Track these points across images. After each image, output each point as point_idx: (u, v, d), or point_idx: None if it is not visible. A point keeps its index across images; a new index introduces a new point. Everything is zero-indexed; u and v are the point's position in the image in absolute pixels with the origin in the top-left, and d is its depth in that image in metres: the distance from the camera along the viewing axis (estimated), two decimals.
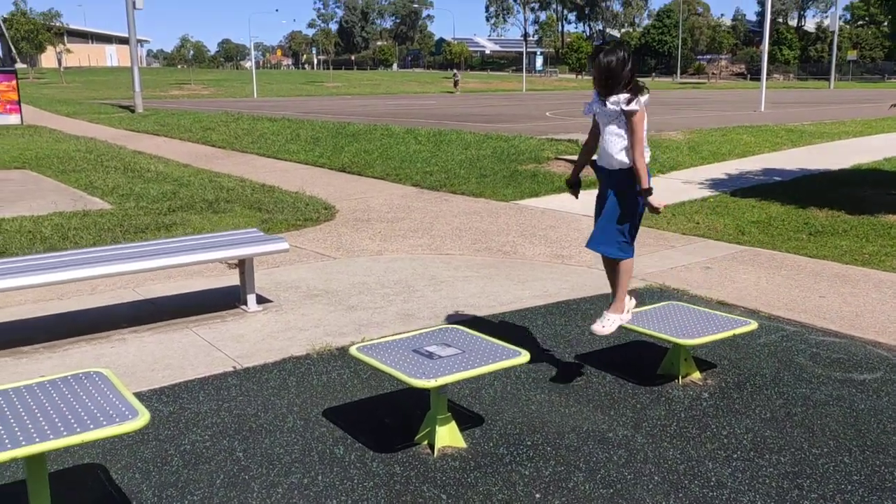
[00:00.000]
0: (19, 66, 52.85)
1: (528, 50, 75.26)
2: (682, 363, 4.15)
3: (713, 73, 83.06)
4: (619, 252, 4.03)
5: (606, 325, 4.05)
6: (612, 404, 3.92)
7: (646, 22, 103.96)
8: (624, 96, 3.73)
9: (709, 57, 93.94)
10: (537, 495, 3.06)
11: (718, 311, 4.71)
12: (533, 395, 4.04)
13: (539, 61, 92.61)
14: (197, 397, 4.00)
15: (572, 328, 5.09)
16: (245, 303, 5.48)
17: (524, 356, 3.44)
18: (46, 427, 2.43)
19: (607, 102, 3.80)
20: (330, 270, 6.63)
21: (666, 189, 10.61)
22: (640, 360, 4.51)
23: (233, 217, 8.90)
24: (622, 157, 3.84)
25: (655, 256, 7.08)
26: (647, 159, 3.87)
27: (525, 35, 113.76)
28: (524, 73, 58.34)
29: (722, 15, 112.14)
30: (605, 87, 3.77)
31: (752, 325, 4.22)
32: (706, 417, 3.76)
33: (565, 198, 10.22)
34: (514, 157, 13.19)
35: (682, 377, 4.17)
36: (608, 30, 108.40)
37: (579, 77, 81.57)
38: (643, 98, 3.77)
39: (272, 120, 21.25)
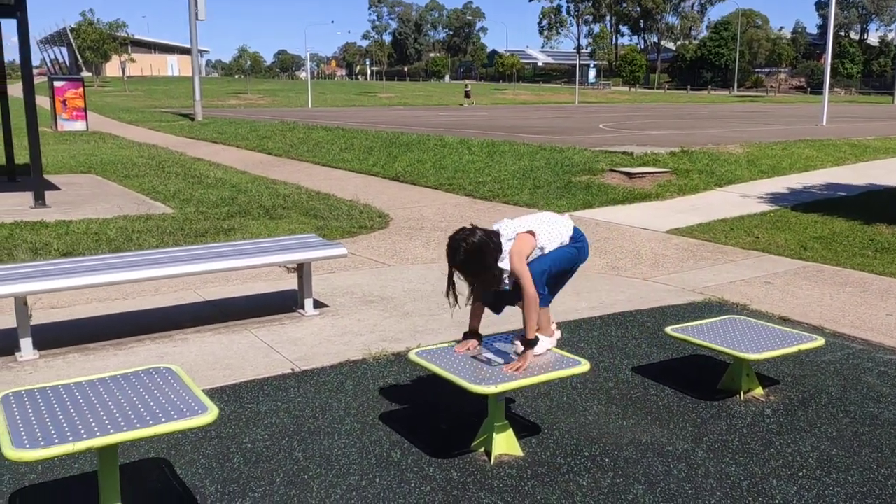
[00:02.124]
0: (85, 74, 54.75)
1: (581, 62, 74.87)
2: (744, 378, 4.06)
3: (772, 87, 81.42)
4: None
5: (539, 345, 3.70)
6: (670, 418, 3.86)
7: (702, 34, 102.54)
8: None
9: (767, 70, 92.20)
10: None
11: (781, 326, 4.60)
12: (590, 405, 4.00)
13: (592, 73, 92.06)
14: (257, 397, 4.07)
15: (629, 340, 5.03)
16: (302, 307, 5.56)
17: (584, 365, 3.42)
18: (120, 419, 2.51)
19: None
20: (385, 277, 6.68)
21: (724, 202, 10.44)
22: (699, 374, 4.44)
23: (289, 223, 9.05)
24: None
25: (714, 270, 6.96)
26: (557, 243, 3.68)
27: (578, 47, 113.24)
28: (577, 86, 58.04)
29: (781, 28, 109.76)
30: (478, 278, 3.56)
31: (819, 342, 4.11)
32: (769, 434, 3.67)
33: (620, 210, 10.13)
34: (567, 168, 13.12)
35: (744, 392, 4.08)
36: (663, 42, 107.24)
37: (633, 90, 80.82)
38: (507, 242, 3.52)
39: (327, 129, 21.56)
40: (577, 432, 3.68)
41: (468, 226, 3.52)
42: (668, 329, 4.20)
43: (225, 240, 7.84)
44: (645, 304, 5.86)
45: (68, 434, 2.38)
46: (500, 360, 3.44)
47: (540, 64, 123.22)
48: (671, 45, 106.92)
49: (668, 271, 6.95)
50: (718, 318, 4.49)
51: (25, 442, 2.32)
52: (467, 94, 50.20)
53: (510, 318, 5.46)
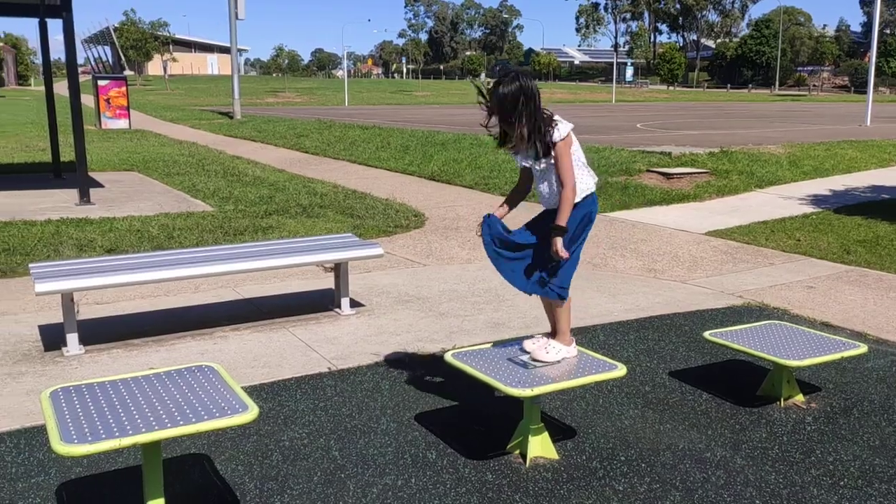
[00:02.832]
0: (127, 73, 55.79)
1: (619, 60, 74.24)
2: (784, 385, 4.00)
3: (814, 86, 79.85)
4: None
5: (551, 351, 3.60)
6: (708, 423, 3.82)
7: (743, 32, 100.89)
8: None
9: (810, 68, 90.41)
10: None
11: (823, 332, 4.52)
12: (626, 409, 3.98)
13: (629, 72, 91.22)
14: (294, 396, 4.12)
15: (666, 344, 4.99)
16: (339, 306, 5.62)
17: (621, 369, 3.40)
18: (164, 416, 2.57)
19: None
20: (420, 277, 6.72)
21: (764, 204, 10.29)
22: (738, 380, 4.38)
23: (326, 222, 9.13)
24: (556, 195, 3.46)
25: (754, 273, 6.86)
26: (584, 191, 3.48)
27: (615, 45, 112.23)
28: (614, 84, 57.57)
29: (825, 26, 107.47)
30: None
31: (862, 349, 4.03)
32: (810, 442, 3.62)
33: (658, 211, 10.04)
34: (603, 168, 13.02)
35: (784, 399, 4.02)
36: (703, 40, 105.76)
37: (671, 88, 79.88)
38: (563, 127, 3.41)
39: (363, 128, 21.68)
40: (613, 436, 3.67)
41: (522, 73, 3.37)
42: (707, 334, 4.16)
43: (263, 238, 7.95)
44: (682, 307, 5.80)
45: (114, 430, 2.45)
46: (536, 364, 3.44)
47: (576, 62, 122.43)
48: (711, 43, 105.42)
49: (706, 274, 6.88)
50: (758, 323, 4.43)
51: (74, 437, 2.39)
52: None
53: (547, 320, 5.46)
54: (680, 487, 3.20)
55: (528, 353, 3.58)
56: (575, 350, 3.66)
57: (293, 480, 3.23)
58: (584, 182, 3.49)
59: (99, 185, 11.46)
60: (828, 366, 4.48)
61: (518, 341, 3.76)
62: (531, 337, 3.73)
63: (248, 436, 3.63)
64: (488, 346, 3.71)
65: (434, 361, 4.64)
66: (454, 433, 3.69)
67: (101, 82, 24.02)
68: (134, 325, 5.26)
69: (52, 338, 4.91)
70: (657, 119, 30.23)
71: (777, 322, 4.48)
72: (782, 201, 10.48)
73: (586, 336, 5.07)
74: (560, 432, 3.68)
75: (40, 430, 3.62)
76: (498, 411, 3.94)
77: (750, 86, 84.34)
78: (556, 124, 3.39)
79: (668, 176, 11.84)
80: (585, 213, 3.54)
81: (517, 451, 3.49)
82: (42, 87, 21.58)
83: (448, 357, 3.57)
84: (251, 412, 2.63)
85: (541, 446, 3.43)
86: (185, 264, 5.02)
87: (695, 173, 12.01)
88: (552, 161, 3.42)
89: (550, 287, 3.54)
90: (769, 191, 11.37)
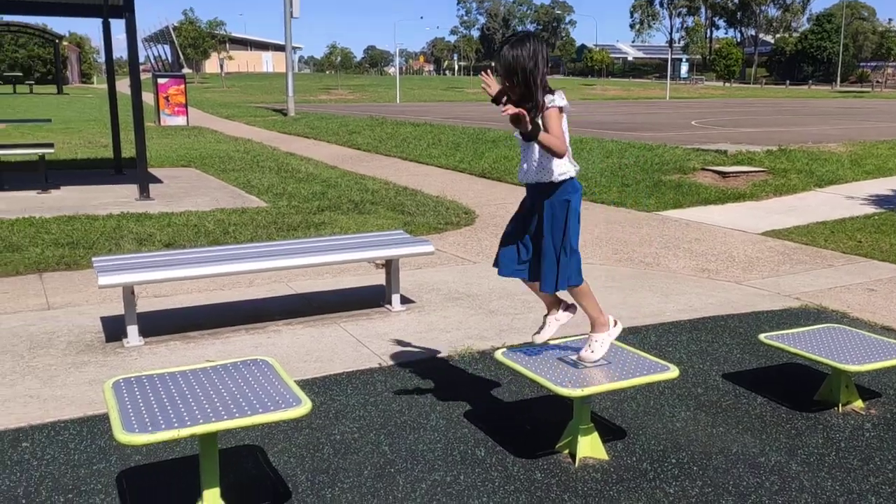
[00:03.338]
0: (186, 71, 57.07)
1: (673, 56, 72.89)
2: (843, 390, 3.90)
3: (878, 82, 77.21)
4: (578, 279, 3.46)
5: (595, 348, 3.47)
6: (763, 428, 3.75)
7: (803, 27, 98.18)
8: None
9: (873, 64, 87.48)
10: None
11: (883, 336, 4.39)
12: (678, 411, 3.93)
13: (684, 68, 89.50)
14: (345, 390, 4.18)
15: (719, 346, 4.91)
16: (390, 302, 5.67)
17: (674, 371, 3.36)
18: (220, 408, 2.63)
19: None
20: (470, 274, 6.73)
21: (824, 204, 10.01)
22: (794, 384, 4.29)
23: (377, 218, 9.21)
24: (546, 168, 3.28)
25: (812, 275, 6.69)
26: (563, 174, 3.29)
27: (670, 41, 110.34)
28: (668, 81, 56.60)
29: (890, 20, 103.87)
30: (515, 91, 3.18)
31: None
32: (869, 449, 3.52)
33: (712, 210, 9.86)
34: (657, 166, 12.84)
35: (843, 405, 3.92)
36: (761, 35, 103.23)
37: (727, 85, 78.22)
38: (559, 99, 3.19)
39: (414, 125, 21.78)
40: (664, 438, 3.63)
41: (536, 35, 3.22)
42: (762, 336, 4.08)
43: (315, 234, 8.06)
44: (737, 308, 5.69)
45: (173, 420, 2.52)
46: (586, 364, 3.42)
47: (630, 58, 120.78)
48: (769, 39, 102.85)
49: (762, 275, 6.73)
50: (816, 327, 4.32)
51: (135, 426, 2.47)
52: None
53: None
54: (733, 492, 3.15)
55: (542, 340, 3.53)
56: (617, 329, 3.54)
57: (344, 474, 3.28)
58: (563, 165, 3.28)
59: (158, 180, 11.77)
60: (889, 371, 4.34)
61: (569, 341, 3.75)
62: (581, 336, 3.70)
63: (300, 429, 3.69)
64: (538, 344, 3.70)
65: (484, 359, 4.65)
66: (503, 431, 3.70)
67: (160, 80, 24.63)
68: (190, 318, 5.39)
69: (114, 329, 5.07)
70: (712, 116, 29.65)
71: (836, 325, 4.36)
72: (843, 201, 10.19)
73: (637, 336, 5.01)
74: (610, 433, 3.66)
75: (102, 419, 3.75)
76: (547, 410, 3.93)
77: (810, 82, 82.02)
78: (554, 93, 3.20)
79: (723, 174, 11.61)
80: (564, 199, 3.32)
81: (566, 451, 3.48)
82: (104, 85, 22.18)
83: (498, 355, 3.57)
84: (304, 406, 2.68)
85: (590, 446, 3.41)
86: (240, 259, 5.13)
87: (751, 172, 11.76)
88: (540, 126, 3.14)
89: (559, 282, 3.38)
90: (829, 190, 11.06)
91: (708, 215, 9.50)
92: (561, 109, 3.18)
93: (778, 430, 3.72)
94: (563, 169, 3.30)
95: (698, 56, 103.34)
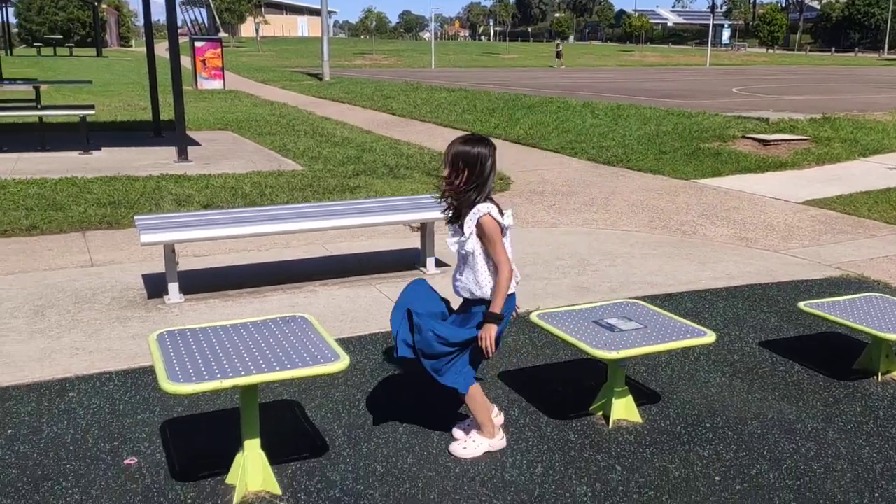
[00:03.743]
0: (222, 35, 57.18)
1: (715, 22, 71.06)
2: (882, 359, 3.85)
3: None
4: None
5: (469, 446, 3.15)
6: (800, 395, 3.72)
7: None
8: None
9: None
10: (717, 478, 2.99)
11: None
12: (712, 377, 3.92)
13: (726, 34, 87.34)
14: (381, 350, 4.23)
15: (757, 313, 4.86)
16: (424, 265, 5.70)
17: (710, 336, 3.35)
18: (261, 361, 2.69)
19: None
20: None
21: (868, 173, 9.78)
22: (832, 353, 4.24)
23: (412, 183, 9.22)
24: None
25: (854, 245, 6.57)
26: (511, 287, 3.06)
27: (712, 6, 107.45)
28: (709, 47, 55.32)
29: None
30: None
31: None
32: None
33: (752, 178, 9.69)
34: (696, 134, 12.63)
35: (882, 374, 3.87)
36: (807, 1, 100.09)
37: (770, 52, 76.23)
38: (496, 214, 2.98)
39: (449, 90, 21.64)
40: (698, 403, 3.62)
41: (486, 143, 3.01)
42: (802, 304, 4.03)
43: (351, 197, 8.10)
44: (776, 277, 5.62)
45: (216, 372, 2.59)
46: (622, 327, 3.42)
47: (670, 24, 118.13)
48: (815, 4, 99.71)
49: (802, 244, 6.63)
50: (857, 295, 4.25)
51: (179, 377, 2.54)
52: (559, 55, 47.84)
53: (632, 285, 5.40)
54: (768, 457, 3.15)
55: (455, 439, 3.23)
56: (500, 443, 3.20)
57: (379, 430, 3.33)
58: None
59: (196, 143, 11.89)
60: None
61: (605, 306, 3.74)
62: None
63: (336, 385, 3.76)
64: (574, 308, 3.70)
65: (517, 322, 4.65)
66: (536, 392, 3.73)
67: (197, 44, 24.74)
68: (229, 278, 5.48)
69: (155, 286, 5.18)
70: (754, 84, 28.98)
71: (877, 294, 4.29)
72: (888, 171, 9.94)
73: (673, 303, 4.99)
74: (644, 397, 3.66)
75: (145, 372, 3.85)
76: (580, 374, 3.94)
77: (856, 49, 79.54)
78: (489, 208, 2.97)
79: (764, 142, 11.38)
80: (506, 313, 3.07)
81: (600, 413, 3.49)
82: (142, 48, 22.33)
83: (533, 317, 3.58)
84: (343, 361, 2.73)
85: (624, 409, 3.43)
86: (278, 220, 5.19)
87: (793, 140, 11.51)
88: (476, 242, 2.99)
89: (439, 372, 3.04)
90: (874, 160, 10.78)
91: (747, 184, 9.34)
92: (502, 228, 3.00)
93: (815, 397, 3.69)
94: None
95: (741, 22, 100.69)
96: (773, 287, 5.39)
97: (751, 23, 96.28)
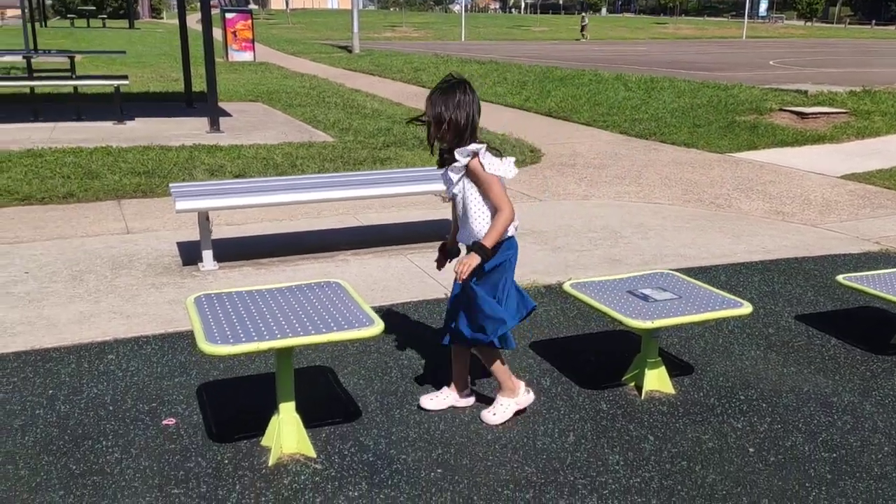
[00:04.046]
0: (252, 6, 57.10)
1: None
2: None
3: None
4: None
5: (498, 411, 3.16)
6: (836, 369, 3.67)
7: None
8: (468, 149, 2.86)
9: None
10: (751, 450, 2.97)
11: None
12: (747, 350, 3.88)
13: (763, 6, 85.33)
14: (412, 318, 4.25)
15: (793, 287, 4.79)
16: None
17: (747, 307, 3.30)
18: (296, 324, 2.71)
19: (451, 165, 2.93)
20: (536, 212, 6.69)
21: None
22: (870, 327, 4.17)
23: None
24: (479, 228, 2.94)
25: (893, 219, 6.43)
26: (511, 229, 2.97)
27: None
28: (745, 19, 54.14)
29: None
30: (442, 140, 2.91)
31: None
32: None
33: (788, 152, 9.51)
34: (731, 107, 12.41)
35: None
36: None
37: (809, 24, 74.39)
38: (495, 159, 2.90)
39: (480, 63, 21.46)
40: (732, 376, 3.59)
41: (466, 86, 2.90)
42: (840, 277, 3.96)
43: (382, 168, 8.09)
44: (813, 251, 5.53)
45: (253, 334, 2.61)
46: (656, 298, 3.39)
47: None
48: None
49: (840, 218, 6.50)
50: None
51: (217, 338, 2.57)
52: (583, 29, 46.94)
53: (665, 258, 5.35)
54: (803, 430, 3.12)
55: (426, 409, 3.22)
56: (527, 398, 3.20)
57: (411, 397, 3.36)
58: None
59: (227, 114, 11.94)
60: None
61: (639, 276, 3.71)
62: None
63: (368, 353, 3.79)
64: (608, 278, 3.67)
65: (549, 293, 4.65)
66: (568, 362, 3.72)
67: (228, 15, 24.76)
68: (261, 246, 5.53)
69: (189, 254, 5.24)
70: (792, 56, 28.34)
71: None
72: None
73: (707, 276, 4.93)
74: (677, 368, 3.64)
75: (181, 336, 3.91)
76: (612, 344, 3.93)
77: None
78: (487, 152, 2.90)
79: (802, 115, 11.15)
80: (504, 259, 2.99)
81: (632, 384, 3.48)
82: (174, 20, 22.39)
83: (567, 287, 3.56)
84: (377, 326, 2.74)
85: (657, 380, 3.41)
86: (310, 189, 5.21)
87: (832, 113, 11.26)
88: (472, 183, 2.92)
89: (461, 330, 3.02)
90: None
91: (784, 157, 9.17)
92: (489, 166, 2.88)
93: (852, 371, 3.64)
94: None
95: None
96: (810, 261, 5.30)
97: None
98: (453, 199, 3.06)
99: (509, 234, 2.98)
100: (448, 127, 2.85)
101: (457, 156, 2.88)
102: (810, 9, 78.74)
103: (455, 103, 2.84)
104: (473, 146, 2.87)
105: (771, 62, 25.01)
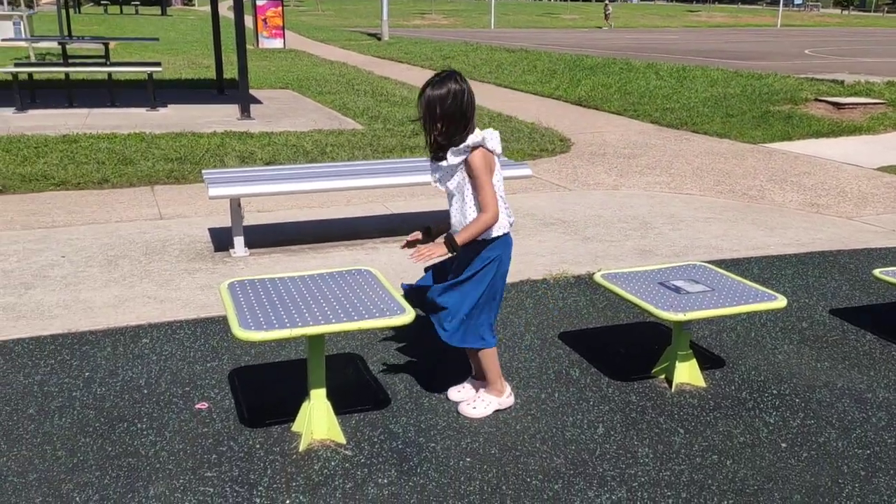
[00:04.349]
0: None
1: None
2: None
3: None
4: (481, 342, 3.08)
5: (479, 406, 3.14)
6: (871, 364, 3.62)
7: None
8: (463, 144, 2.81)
9: None
10: (783, 445, 2.94)
11: None
12: (779, 344, 3.83)
13: None
14: None
15: (827, 281, 4.72)
16: None
17: (781, 300, 3.26)
18: (328, 311, 2.73)
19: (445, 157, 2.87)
20: (565, 201, 6.65)
21: None
22: None
23: None
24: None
25: None
26: (497, 229, 2.90)
27: None
28: (780, 7, 53.15)
29: None
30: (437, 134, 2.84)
31: None
32: None
33: (824, 143, 9.35)
34: (765, 96, 12.21)
35: None
36: None
37: (845, 13, 72.85)
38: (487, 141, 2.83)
39: (509, 51, 21.34)
40: (764, 370, 3.55)
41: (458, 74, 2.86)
42: (877, 271, 3.89)
43: (410, 157, 8.10)
44: (848, 244, 5.44)
45: (285, 321, 2.64)
46: (688, 290, 3.36)
47: None
48: None
49: (876, 211, 6.39)
50: None
51: (251, 324, 2.60)
52: (607, 17, 46.26)
53: (697, 249, 5.30)
54: (836, 425, 3.08)
55: (454, 401, 3.22)
56: (509, 400, 3.19)
57: (439, 385, 3.37)
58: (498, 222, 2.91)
59: (258, 101, 12.01)
60: None
61: (671, 268, 3.68)
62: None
63: (397, 340, 3.80)
64: (639, 269, 3.65)
65: (578, 284, 4.63)
66: (597, 354, 3.71)
67: (259, 2, 24.84)
68: (291, 233, 5.57)
69: (221, 240, 5.29)
70: (828, 45, 27.79)
71: None
72: None
73: (739, 269, 4.87)
74: (708, 361, 3.61)
75: (214, 321, 3.96)
76: (642, 336, 3.91)
77: None
78: (482, 137, 2.82)
79: (838, 106, 10.95)
80: (494, 256, 2.95)
81: (662, 376, 3.46)
82: (205, 7, 22.51)
83: (597, 277, 3.55)
84: (408, 315, 2.75)
85: (688, 373, 3.38)
86: (340, 177, 5.23)
87: (870, 104, 11.03)
88: (465, 176, 2.86)
89: (443, 327, 3.01)
90: None
91: (819, 148, 9.01)
92: (491, 153, 2.84)
93: (888, 367, 3.59)
94: (499, 223, 2.92)
95: None
96: (845, 255, 5.22)
97: None
98: (447, 191, 2.99)
99: (494, 234, 2.92)
100: (443, 122, 2.79)
101: (450, 157, 2.83)
102: None
103: (446, 95, 2.77)
104: (471, 139, 2.81)
105: (806, 51, 24.55)
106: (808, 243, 5.46)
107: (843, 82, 12.61)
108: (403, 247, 3.19)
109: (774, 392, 3.35)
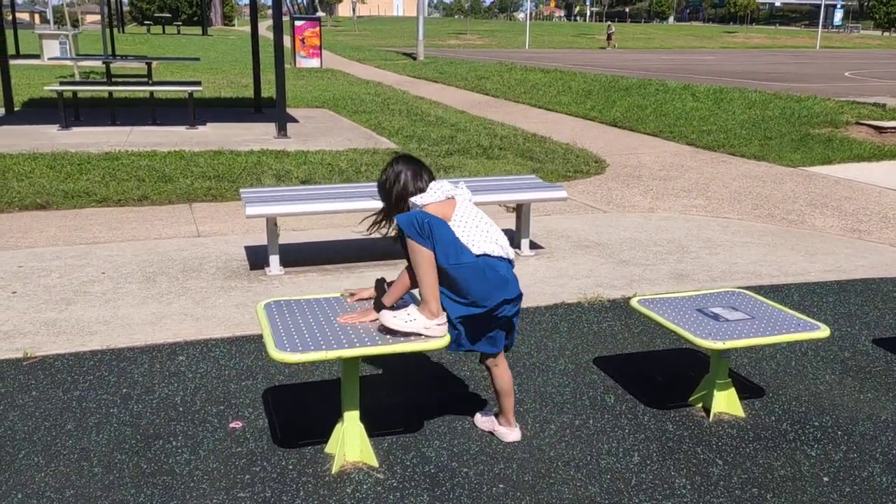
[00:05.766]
0: (319, 14, 58.23)
1: (826, 2, 67.39)
2: None
3: None
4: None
5: (400, 315, 2.80)
6: None
7: None
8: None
9: None
10: (825, 479, 2.86)
11: None
12: (821, 374, 3.75)
13: (838, 15, 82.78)
14: None
15: (870, 309, 4.61)
16: (519, 246, 5.66)
17: (824, 330, 3.19)
18: (363, 334, 2.73)
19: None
20: (600, 223, 6.61)
21: None
22: None
23: (505, 164, 9.17)
24: None
25: None
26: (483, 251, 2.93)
27: None
28: (819, 29, 52.58)
29: None
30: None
31: None
32: None
33: (865, 167, 9.19)
34: (805, 119, 12.05)
35: None
36: None
37: (886, 34, 71.79)
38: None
39: (544, 71, 21.37)
40: (805, 400, 3.47)
41: (401, 157, 3.02)
42: None
43: (445, 177, 8.11)
44: (891, 272, 5.32)
45: (321, 342, 2.64)
46: (728, 317, 3.30)
47: (777, 4, 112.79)
48: None
49: None
50: None
51: (286, 346, 2.61)
52: (609, 38, 46.03)
53: (735, 274, 5.21)
54: (880, 460, 2.99)
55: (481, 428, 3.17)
56: (514, 435, 3.09)
57: (473, 409, 3.34)
58: (480, 247, 2.95)
59: (294, 120, 12.17)
60: None
61: (709, 294, 3.62)
62: None
63: (431, 363, 3.79)
64: (676, 295, 3.60)
65: (614, 308, 4.58)
66: (633, 380, 3.65)
67: (297, 23, 25.25)
68: (326, 252, 5.60)
69: (256, 258, 5.34)
70: (869, 68, 27.38)
71: None
72: None
73: (779, 296, 4.79)
74: (747, 391, 3.54)
75: (248, 340, 3.99)
76: (678, 363, 3.84)
77: None
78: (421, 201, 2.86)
79: (880, 129, 10.76)
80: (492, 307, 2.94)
81: (700, 405, 3.40)
82: (245, 27, 22.96)
83: (634, 303, 3.50)
84: (444, 338, 2.74)
85: (726, 402, 3.32)
86: (375, 196, 5.23)
87: None
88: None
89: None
90: None
91: (861, 173, 8.85)
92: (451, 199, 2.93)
93: None
94: (477, 258, 2.90)
95: (854, 2, 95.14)
96: (889, 282, 5.10)
97: (865, 3, 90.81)
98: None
99: (489, 253, 2.96)
100: (401, 199, 2.95)
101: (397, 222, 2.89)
102: (888, 18, 75.93)
103: (394, 177, 2.95)
104: (412, 202, 2.90)
105: (846, 73, 24.22)
106: (849, 270, 5.35)
107: (885, 105, 12.39)
108: (346, 297, 3.18)
109: (816, 424, 3.27)
